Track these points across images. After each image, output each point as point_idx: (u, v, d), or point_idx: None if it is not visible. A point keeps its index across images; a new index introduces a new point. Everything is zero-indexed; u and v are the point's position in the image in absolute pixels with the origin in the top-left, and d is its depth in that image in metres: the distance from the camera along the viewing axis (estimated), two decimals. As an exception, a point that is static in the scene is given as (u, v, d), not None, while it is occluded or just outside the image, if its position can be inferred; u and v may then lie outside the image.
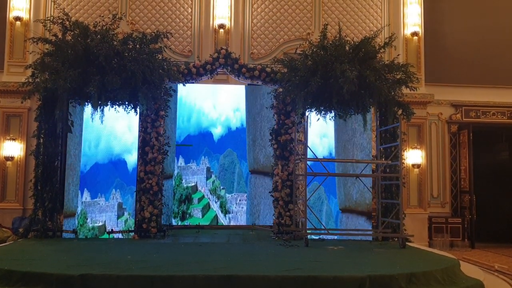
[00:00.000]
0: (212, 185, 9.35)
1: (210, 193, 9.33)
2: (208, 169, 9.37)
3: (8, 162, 9.95)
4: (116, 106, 7.91)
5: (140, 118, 8.24)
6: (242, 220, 9.30)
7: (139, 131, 8.28)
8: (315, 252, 6.85)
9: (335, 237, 8.10)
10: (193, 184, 9.33)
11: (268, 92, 8.77)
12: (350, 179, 8.38)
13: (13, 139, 9.96)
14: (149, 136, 8.18)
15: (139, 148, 8.25)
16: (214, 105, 9.54)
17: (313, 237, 8.09)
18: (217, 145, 9.46)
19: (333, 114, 8.21)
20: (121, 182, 8.37)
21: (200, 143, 9.43)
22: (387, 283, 5.06)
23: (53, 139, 7.93)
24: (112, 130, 8.39)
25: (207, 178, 9.36)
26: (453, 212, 11.24)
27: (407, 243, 7.67)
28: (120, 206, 8.29)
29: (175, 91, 8.71)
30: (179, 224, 9.13)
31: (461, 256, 8.45)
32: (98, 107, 7.56)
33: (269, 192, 8.64)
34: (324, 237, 8.09)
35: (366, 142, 8.41)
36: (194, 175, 9.35)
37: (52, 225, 7.80)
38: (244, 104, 9.55)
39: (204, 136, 9.47)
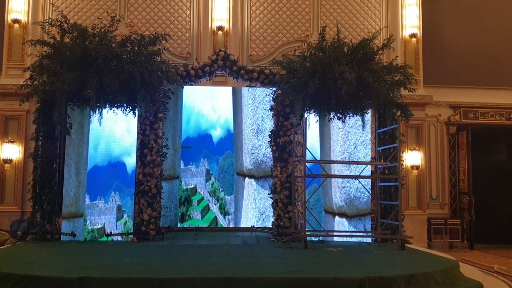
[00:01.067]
0: (212, 187, 9.33)
1: (210, 195, 9.32)
2: (207, 171, 9.35)
3: (7, 165, 9.92)
4: (115, 109, 7.91)
5: (138, 121, 8.23)
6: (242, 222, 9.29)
7: (137, 133, 8.27)
8: (314, 253, 6.85)
9: (320, 239, 8.17)
10: (192, 186, 9.32)
11: (269, 96, 8.83)
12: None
13: (12, 142, 9.93)
14: (147, 138, 8.17)
15: (137, 150, 8.25)
16: (213, 107, 9.53)
17: (313, 238, 8.09)
18: (216, 147, 9.45)
19: (332, 115, 8.21)
20: (120, 185, 8.36)
21: (199, 145, 9.42)
22: (386, 284, 5.05)
23: (51, 141, 7.93)
24: (111, 132, 8.38)
25: (207, 180, 9.35)
26: (452, 213, 11.23)
27: (406, 244, 7.67)
28: (119, 208, 8.28)
29: (174, 93, 8.70)
30: (178, 226, 9.12)
31: (460, 257, 8.43)
32: (97, 110, 7.55)
33: (268, 194, 8.66)
34: (323, 238, 8.10)
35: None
36: (194, 177, 9.33)
37: (51, 227, 7.79)
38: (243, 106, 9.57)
39: (204, 138, 9.46)
